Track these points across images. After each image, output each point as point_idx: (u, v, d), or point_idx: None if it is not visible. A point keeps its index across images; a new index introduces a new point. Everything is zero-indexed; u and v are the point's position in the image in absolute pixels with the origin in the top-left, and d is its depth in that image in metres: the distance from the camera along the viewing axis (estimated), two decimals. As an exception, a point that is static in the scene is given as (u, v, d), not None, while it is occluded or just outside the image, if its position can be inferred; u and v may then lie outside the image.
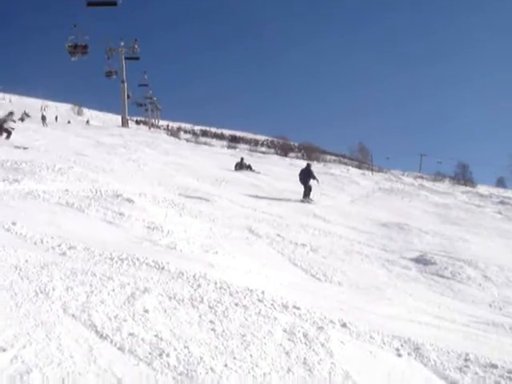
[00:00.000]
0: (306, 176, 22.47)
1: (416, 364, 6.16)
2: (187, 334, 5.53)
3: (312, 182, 22.40)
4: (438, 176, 51.59)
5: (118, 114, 70.92)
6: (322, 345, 5.95)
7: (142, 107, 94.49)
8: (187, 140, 58.17)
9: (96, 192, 14.05)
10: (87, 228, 10.77)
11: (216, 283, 7.48)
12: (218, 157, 37.30)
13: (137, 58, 68.05)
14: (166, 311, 6.08)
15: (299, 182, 22.63)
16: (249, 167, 30.82)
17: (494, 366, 6.22)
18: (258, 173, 29.58)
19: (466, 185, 45.71)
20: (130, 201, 13.54)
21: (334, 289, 9.98)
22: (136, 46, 66.95)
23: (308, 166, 23.58)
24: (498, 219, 25.38)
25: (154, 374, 4.58)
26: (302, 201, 21.80)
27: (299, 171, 23.18)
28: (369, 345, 6.44)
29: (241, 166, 30.88)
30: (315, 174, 22.83)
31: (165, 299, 6.47)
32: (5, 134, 23.76)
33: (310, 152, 52.17)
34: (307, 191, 22.27)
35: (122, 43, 66.39)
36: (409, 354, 6.38)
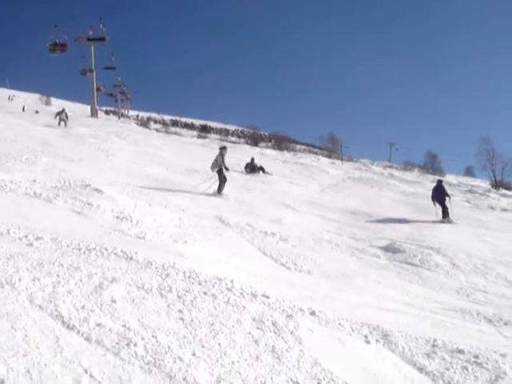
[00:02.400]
0: (440, 194, 20.41)
1: (384, 350, 6.20)
2: (155, 323, 5.50)
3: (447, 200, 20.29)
4: (408, 165, 51.99)
5: (87, 104, 70.18)
6: (291, 333, 5.96)
7: (111, 97, 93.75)
8: (157, 130, 57.76)
9: (64, 182, 13.92)
10: (55, 218, 10.66)
11: (185, 272, 7.44)
12: (188, 147, 37.13)
13: (103, 39, 66.57)
14: (134, 301, 6.04)
15: (432, 201, 20.44)
16: (261, 169, 27.74)
17: (461, 352, 6.29)
18: (271, 175, 27.20)
19: (434, 174, 46.01)
20: (98, 191, 13.43)
21: (304, 277, 10.00)
22: (101, 26, 65.79)
23: (440, 182, 21.59)
24: (467, 208, 25.67)
25: (121, 364, 4.55)
26: (442, 221, 19.54)
27: (432, 189, 21.32)
28: (338, 332, 6.47)
29: (252, 167, 27.72)
30: (447, 191, 21.26)
31: (133, 289, 6.42)
32: None
33: (281, 142, 52.17)
34: (446, 211, 19.96)
35: (91, 32, 65.50)
36: (377, 340, 6.43)
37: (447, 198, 20.16)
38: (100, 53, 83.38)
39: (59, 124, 36.64)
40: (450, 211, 19.86)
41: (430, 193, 21.17)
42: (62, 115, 37.81)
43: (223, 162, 19.02)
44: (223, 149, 20.17)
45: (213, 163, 19.02)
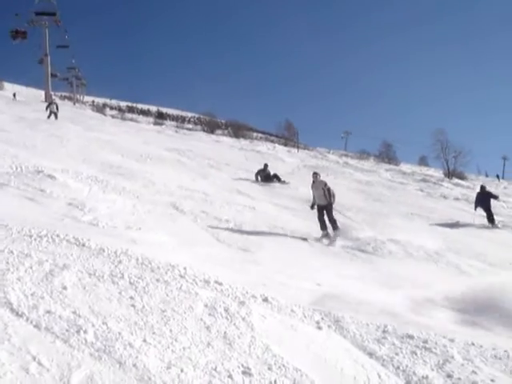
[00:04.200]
0: (485, 199, 20.14)
1: (335, 336, 6.26)
2: (106, 310, 5.46)
3: (493, 202, 20.23)
4: (363, 154, 52.47)
5: (41, 89, 69.03)
6: (243, 319, 5.98)
7: (66, 82, 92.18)
8: (113, 116, 57.25)
9: (16, 168, 13.71)
10: (6, 205, 10.49)
11: (137, 259, 7.40)
12: (144, 133, 36.81)
13: (53, 14, 65.12)
14: (85, 288, 5.98)
15: (477, 208, 20.13)
16: (275, 177, 24.16)
17: (411, 337, 6.39)
18: (288, 183, 23.77)
19: (389, 163, 46.54)
20: (51, 177, 13.28)
21: (258, 264, 10.04)
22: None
23: (483, 188, 21.18)
24: (420, 196, 26.06)
25: (70, 351, 4.51)
26: (493, 227, 19.22)
27: (476, 195, 21.01)
28: (290, 318, 6.51)
29: (265, 175, 24.14)
30: (493, 193, 21.21)
31: (84, 276, 6.36)
32: None
33: (237, 129, 52.08)
34: (491, 216, 19.65)
35: (45, 17, 64.32)
36: (329, 326, 6.49)
37: (492, 201, 20.10)
38: (56, 38, 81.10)
39: (49, 117, 34.38)
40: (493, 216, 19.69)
41: (474, 199, 20.93)
42: (52, 107, 35.71)
43: None
44: None
45: None
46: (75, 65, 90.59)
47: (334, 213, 14.90)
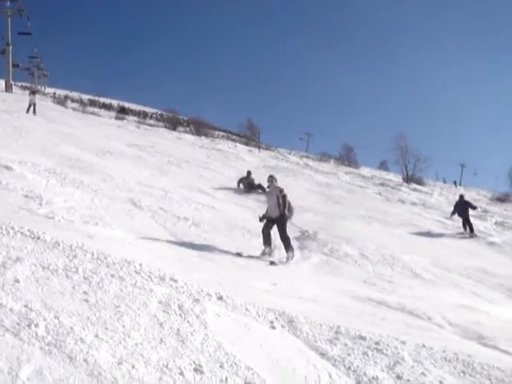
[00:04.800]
0: (464, 208, 20.50)
1: (289, 336, 6.30)
2: (59, 304, 5.41)
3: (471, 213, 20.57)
4: (324, 156, 52.67)
5: (1, 79, 67.97)
6: (197, 316, 5.98)
7: (28, 72, 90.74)
8: (74, 109, 56.56)
9: (-29, 159, 13.52)
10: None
11: (93, 254, 7.35)
12: (105, 127, 36.44)
13: (16, 0, 64.06)
14: (38, 281, 5.91)
15: (454, 215, 20.90)
16: (259, 187, 21.24)
17: (363, 338, 6.47)
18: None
19: (350, 166, 46.85)
20: (8, 168, 13.12)
21: (214, 262, 10.05)
22: None
23: (462, 197, 21.71)
24: (378, 200, 26.33)
25: (20, 345, 4.45)
26: (470, 236, 19.49)
27: (455, 205, 21.36)
28: (244, 317, 6.53)
29: (248, 183, 21.92)
30: (473, 203, 21.68)
31: (38, 269, 6.29)
32: None
33: (199, 127, 51.88)
34: (470, 225, 19.91)
35: (8, 3, 63.24)
36: (282, 326, 6.52)
37: (471, 211, 20.53)
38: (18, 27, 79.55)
39: (28, 111, 31.63)
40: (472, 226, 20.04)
41: (452, 208, 21.48)
42: (32, 98, 32.63)
43: None
44: None
45: None
46: (37, 54, 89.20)
47: (287, 229, 12.48)
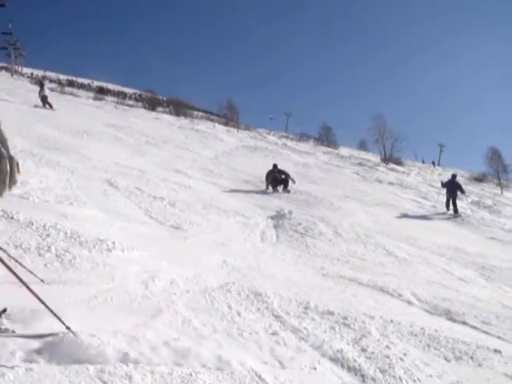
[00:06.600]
0: (453, 188, 20.57)
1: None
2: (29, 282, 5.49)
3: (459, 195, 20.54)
4: (303, 136, 52.59)
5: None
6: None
7: (4, 51, 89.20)
8: (52, 89, 56.08)
9: None
10: None
11: (66, 233, 7.44)
12: (83, 108, 36.18)
13: None
14: (10, 260, 5.97)
15: (445, 193, 20.94)
16: (283, 182, 19.43)
17: (331, 313, 6.64)
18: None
19: (328, 146, 46.83)
20: (-19, 149, 13.05)
21: (186, 241, 10.16)
22: None
23: (454, 177, 21.60)
24: (356, 180, 26.47)
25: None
26: (455, 217, 19.62)
27: (446, 182, 21.35)
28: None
29: (273, 178, 19.37)
30: (463, 187, 21.53)
31: (10, 248, 6.36)
32: None
33: (179, 107, 51.61)
34: (455, 207, 20.06)
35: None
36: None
37: (459, 194, 20.56)
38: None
39: (44, 105, 28.65)
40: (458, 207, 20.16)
41: (441, 184, 21.55)
42: (43, 91, 29.32)
43: None
44: None
45: None
46: (12, 30, 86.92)
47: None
